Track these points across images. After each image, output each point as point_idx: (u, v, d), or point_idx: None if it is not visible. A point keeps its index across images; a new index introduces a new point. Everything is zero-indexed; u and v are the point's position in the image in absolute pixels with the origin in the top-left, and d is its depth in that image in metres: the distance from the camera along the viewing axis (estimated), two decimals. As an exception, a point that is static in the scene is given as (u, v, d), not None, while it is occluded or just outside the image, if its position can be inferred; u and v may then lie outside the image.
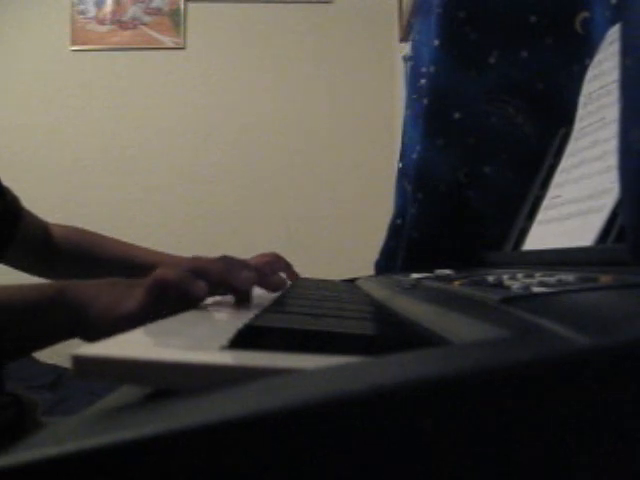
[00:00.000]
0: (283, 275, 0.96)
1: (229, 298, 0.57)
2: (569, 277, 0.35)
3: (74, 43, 2.44)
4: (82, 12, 2.44)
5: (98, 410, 0.21)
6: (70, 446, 0.16)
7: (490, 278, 0.41)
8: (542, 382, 0.16)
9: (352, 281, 1.07)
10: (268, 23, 2.43)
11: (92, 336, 0.52)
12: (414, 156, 0.97)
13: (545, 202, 0.72)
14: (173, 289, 0.49)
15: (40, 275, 0.88)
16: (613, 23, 0.68)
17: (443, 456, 0.16)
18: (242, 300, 0.53)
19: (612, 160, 0.54)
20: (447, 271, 0.66)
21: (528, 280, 0.36)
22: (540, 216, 0.72)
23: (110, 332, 0.48)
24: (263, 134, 2.41)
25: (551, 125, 0.81)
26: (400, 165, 1.17)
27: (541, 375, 0.16)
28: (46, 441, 0.16)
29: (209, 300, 0.54)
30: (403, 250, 1.00)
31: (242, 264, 0.54)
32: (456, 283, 0.43)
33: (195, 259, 0.54)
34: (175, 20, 2.45)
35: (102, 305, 0.52)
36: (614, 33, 0.66)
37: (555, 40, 0.87)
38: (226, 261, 0.54)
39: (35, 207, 0.89)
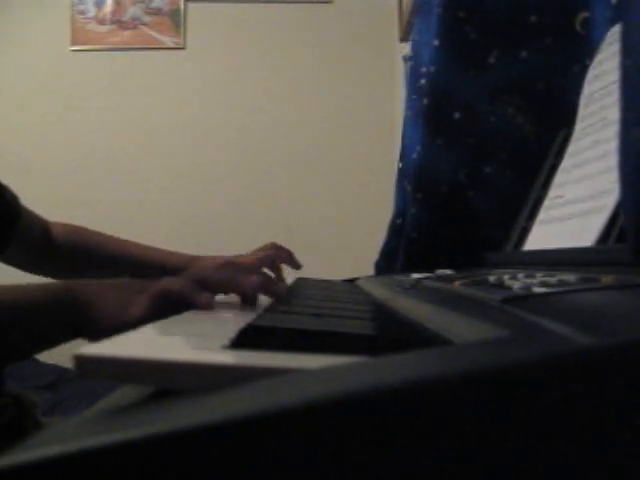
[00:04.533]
0: (287, 268, 0.96)
1: (233, 297, 0.58)
2: (570, 277, 0.35)
3: (74, 43, 2.44)
4: (82, 12, 2.44)
5: (98, 410, 0.21)
6: (70, 446, 0.16)
7: (491, 278, 0.41)
8: (543, 382, 0.16)
9: (352, 281, 1.07)
10: (268, 23, 2.43)
11: (96, 337, 0.53)
12: (414, 156, 0.97)
13: (546, 202, 0.72)
14: (177, 299, 0.51)
15: (40, 273, 0.88)
16: (613, 23, 0.68)
17: (444, 455, 0.16)
18: (249, 303, 0.54)
19: (613, 160, 0.54)
20: (448, 271, 0.66)
21: (529, 280, 0.36)
22: (541, 216, 0.71)
23: (113, 335, 0.49)
24: (263, 134, 2.41)
25: (551, 125, 0.81)
26: (400, 165, 1.17)
27: (542, 375, 0.16)
28: (46, 441, 0.16)
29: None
30: (403, 250, 1.00)
31: (249, 269, 0.55)
32: (457, 283, 0.43)
33: (201, 269, 0.55)
34: (175, 20, 2.45)
35: (107, 308, 0.53)
36: (614, 33, 0.66)
37: (555, 40, 0.87)
38: (233, 268, 0.55)
39: (34, 207, 0.89)
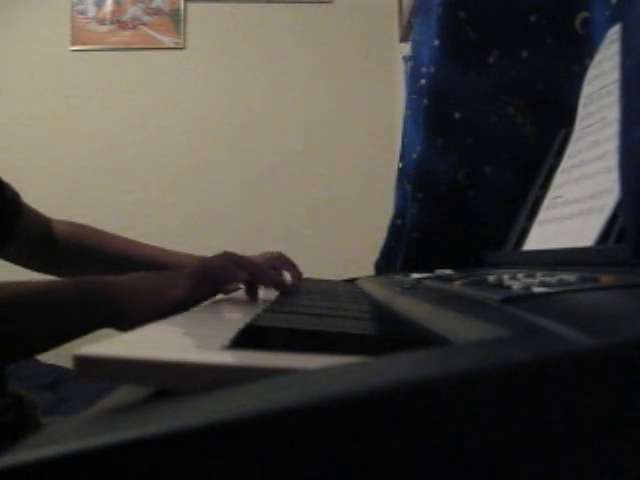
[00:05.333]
0: (287, 275, 0.97)
1: (234, 296, 0.60)
2: (570, 277, 0.35)
3: (74, 43, 2.44)
4: (82, 12, 2.44)
5: (98, 410, 0.21)
6: (70, 446, 0.16)
7: (491, 278, 0.41)
8: (542, 382, 0.16)
9: (352, 281, 1.07)
10: (268, 23, 2.43)
11: (130, 327, 0.54)
12: (414, 156, 0.97)
13: (546, 202, 0.72)
14: (218, 277, 0.55)
15: (42, 271, 0.88)
16: (613, 23, 0.68)
17: (443, 455, 0.16)
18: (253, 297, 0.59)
19: (613, 160, 0.54)
20: (447, 271, 0.66)
21: (529, 280, 0.36)
22: (541, 216, 0.71)
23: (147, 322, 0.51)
24: (263, 134, 2.41)
25: (551, 125, 0.81)
26: (400, 165, 1.17)
27: (541, 375, 0.16)
28: (46, 441, 0.16)
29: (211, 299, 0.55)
30: (403, 250, 1.00)
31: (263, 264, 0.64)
32: (456, 283, 0.43)
33: (229, 253, 0.60)
34: (175, 20, 2.45)
35: (144, 296, 0.54)
36: (614, 33, 0.66)
37: (555, 40, 0.87)
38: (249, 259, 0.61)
39: (35, 206, 0.89)
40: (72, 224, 0.92)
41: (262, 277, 0.61)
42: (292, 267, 0.97)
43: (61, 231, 0.89)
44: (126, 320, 0.53)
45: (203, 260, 0.58)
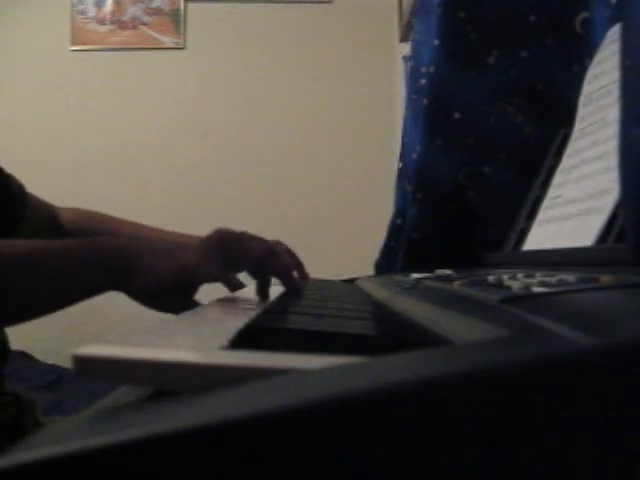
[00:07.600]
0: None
1: (242, 292, 0.60)
2: (569, 277, 0.35)
3: (74, 43, 2.44)
4: (82, 12, 2.44)
5: (98, 410, 0.21)
6: (70, 446, 0.15)
7: (490, 278, 0.41)
8: (542, 382, 0.16)
9: (352, 281, 1.07)
10: (268, 23, 2.43)
11: (136, 290, 0.55)
12: (414, 156, 0.97)
13: (545, 202, 0.72)
14: (234, 242, 0.56)
15: None
16: (613, 23, 0.68)
17: (443, 456, 0.16)
18: (263, 286, 0.58)
19: (612, 160, 0.54)
20: (447, 271, 0.66)
21: (528, 280, 0.36)
22: (540, 216, 0.71)
23: (158, 286, 0.51)
24: (263, 134, 2.41)
25: (551, 125, 0.81)
26: (400, 165, 1.18)
27: (541, 375, 0.16)
28: (46, 441, 0.16)
29: (212, 299, 0.55)
30: (403, 250, 1.00)
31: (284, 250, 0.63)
32: (456, 283, 0.43)
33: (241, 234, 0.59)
34: (175, 20, 2.45)
35: (154, 257, 0.54)
36: (614, 33, 0.66)
37: (555, 40, 0.87)
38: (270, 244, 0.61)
39: (35, 207, 0.89)
40: (77, 210, 0.92)
41: (274, 258, 0.58)
42: (300, 268, 0.91)
43: (67, 218, 0.89)
44: (135, 281, 0.53)
45: (219, 229, 0.57)
